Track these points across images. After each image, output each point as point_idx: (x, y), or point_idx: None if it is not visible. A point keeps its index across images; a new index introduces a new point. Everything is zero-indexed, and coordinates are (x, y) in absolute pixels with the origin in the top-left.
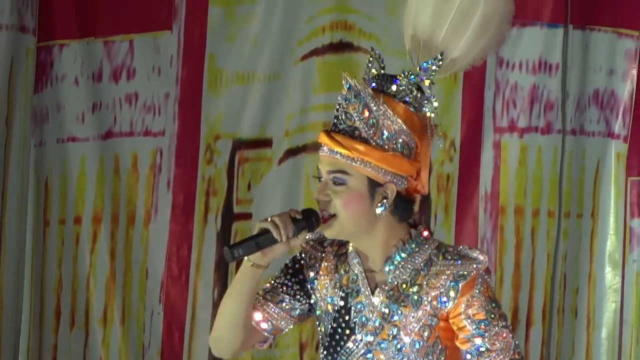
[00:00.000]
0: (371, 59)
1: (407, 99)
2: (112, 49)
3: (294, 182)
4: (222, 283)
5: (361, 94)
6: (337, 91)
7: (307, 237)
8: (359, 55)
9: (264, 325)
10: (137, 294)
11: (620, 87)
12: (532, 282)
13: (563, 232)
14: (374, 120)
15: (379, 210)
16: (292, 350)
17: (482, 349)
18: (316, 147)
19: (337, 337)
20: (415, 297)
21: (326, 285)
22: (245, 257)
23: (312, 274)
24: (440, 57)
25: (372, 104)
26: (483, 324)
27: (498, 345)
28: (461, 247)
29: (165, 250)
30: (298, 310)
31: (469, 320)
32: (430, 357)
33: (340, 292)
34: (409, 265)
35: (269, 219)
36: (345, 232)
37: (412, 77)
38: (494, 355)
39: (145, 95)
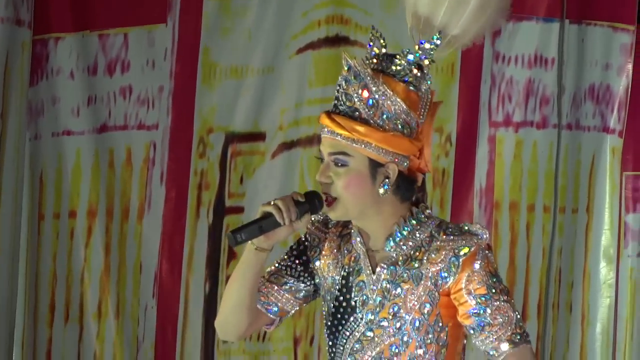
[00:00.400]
0: (372, 37)
1: (407, 79)
2: (107, 42)
3: (287, 176)
4: (213, 277)
5: (361, 74)
6: (332, 85)
7: (310, 219)
8: (355, 49)
9: (269, 308)
10: (131, 288)
11: (615, 81)
12: (527, 277)
13: (558, 227)
14: (374, 101)
15: (381, 191)
16: (286, 344)
17: (484, 324)
18: (311, 141)
19: (339, 316)
20: (416, 273)
21: (329, 264)
22: (249, 241)
23: (315, 255)
24: (439, 36)
25: (372, 85)
26: (484, 298)
27: (500, 319)
28: (462, 223)
29: (158, 244)
30: (303, 291)
31: (470, 296)
32: (430, 336)
33: (342, 272)
34: (410, 242)
35: (272, 202)
36: (350, 214)
37: (411, 57)
38: (496, 329)
39: (139, 89)
